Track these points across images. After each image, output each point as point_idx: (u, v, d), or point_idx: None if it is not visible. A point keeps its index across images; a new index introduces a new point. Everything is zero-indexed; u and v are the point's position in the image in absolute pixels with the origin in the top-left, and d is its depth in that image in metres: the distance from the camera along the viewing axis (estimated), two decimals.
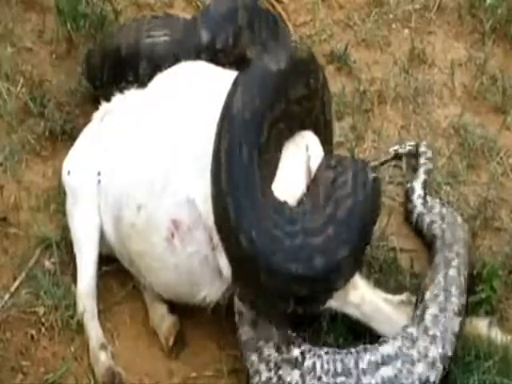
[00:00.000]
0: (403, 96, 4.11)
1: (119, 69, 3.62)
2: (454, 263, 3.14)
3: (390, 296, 3.08)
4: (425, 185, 3.62)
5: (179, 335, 3.20)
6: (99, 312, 3.26)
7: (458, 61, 4.28)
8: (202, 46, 3.51)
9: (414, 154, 3.81)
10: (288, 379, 2.83)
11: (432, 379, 2.81)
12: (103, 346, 3.15)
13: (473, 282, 3.21)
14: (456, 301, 3.00)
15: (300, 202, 2.95)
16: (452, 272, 3.10)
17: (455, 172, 3.80)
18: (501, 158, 3.87)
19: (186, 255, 3.06)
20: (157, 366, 3.19)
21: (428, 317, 2.93)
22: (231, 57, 3.52)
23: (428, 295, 3.00)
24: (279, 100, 2.93)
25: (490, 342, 3.05)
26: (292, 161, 3.04)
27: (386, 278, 3.31)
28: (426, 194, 3.57)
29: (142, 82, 3.49)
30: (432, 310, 2.95)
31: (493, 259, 3.35)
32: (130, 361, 3.19)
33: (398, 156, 3.85)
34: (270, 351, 2.89)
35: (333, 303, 2.96)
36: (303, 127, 3.11)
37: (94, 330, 3.19)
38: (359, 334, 3.05)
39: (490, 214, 3.63)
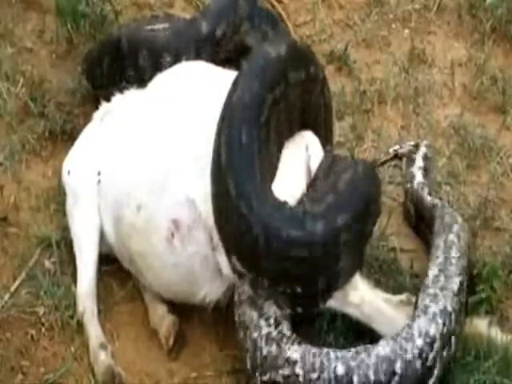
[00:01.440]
0: (403, 96, 4.11)
1: (119, 61, 3.61)
2: (454, 228, 3.15)
3: (389, 296, 3.08)
4: (425, 160, 3.62)
5: (179, 335, 3.20)
6: (99, 312, 3.26)
7: (458, 61, 4.28)
8: (202, 37, 3.51)
9: (414, 154, 3.81)
10: (288, 334, 2.83)
11: (432, 333, 2.80)
12: (103, 346, 3.15)
13: (473, 282, 3.21)
14: (456, 262, 3.00)
15: (300, 202, 2.95)
16: (451, 237, 3.11)
17: (455, 172, 3.80)
18: (501, 158, 3.87)
19: (186, 255, 3.07)
20: (157, 366, 3.19)
21: (428, 277, 2.94)
22: (231, 47, 3.52)
23: (430, 260, 3.03)
24: (279, 84, 2.94)
25: (490, 341, 3.05)
26: (292, 161, 3.04)
27: (386, 278, 3.31)
28: (426, 169, 3.58)
29: (142, 75, 3.49)
30: (432, 271, 2.96)
31: (493, 259, 3.35)
32: (129, 361, 3.19)
33: (398, 156, 3.85)
34: (270, 307, 2.90)
35: (333, 303, 2.96)
36: (303, 125, 3.11)
37: (93, 330, 3.19)
38: (359, 334, 3.04)
39: (489, 213, 3.63)
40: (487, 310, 3.19)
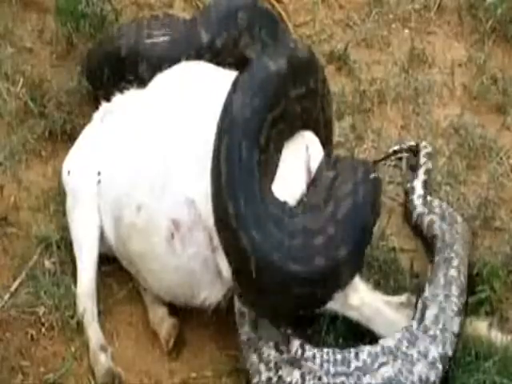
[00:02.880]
0: (403, 96, 4.11)
1: (119, 69, 3.62)
2: (454, 263, 3.14)
3: (389, 298, 3.08)
4: (425, 185, 3.62)
5: (179, 336, 3.20)
6: (99, 312, 3.25)
7: (458, 61, 4.28)
8: (202, 46, 3.51)
9: (414, 154, 3.81)
10: (288, 379, 2.83)
11: (432, 379, 2.81)
12: (103, 347, 3.15)
13: (473, 282, 3.20)
14: (456, 301, 3.00)
15: (300, 202, 2.95)
16: (452, 272, 3.10)
17: (455, 172, 3.80)
18: (501, 158, 3.87)
19: (186, 256, 3.06)
20: (157, 366, 3.19)
21: (428, 317, 2.93)
22: (231, 57, 3.52)
23: (428, 295, 3.00)
24: (279, 100, 2.92)
25: (490, 342, 3.05)
26: (292, 161, 3.03)
27: (386, 279, 3.31)
28: (426, 194, 3.57)
29: (142, 82, 3.50)
30: (432, 310, 2.95)
31: (493, 259, 3.35)
32: (130, 361, 3.19)
33: (397, 156, 3.85)
34: (269, 351, 2.89)
35: (333, 305, 2.95)
36: (303, 127, 3.11)
37: (93, 331, 3.18)
38: (359, 334, 3.04)
39: (489, 214, 3.63)
40: (487, 311, 3.19)
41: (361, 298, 2.98)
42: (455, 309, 2.97)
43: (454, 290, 3.03)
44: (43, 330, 3.22)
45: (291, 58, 2.99)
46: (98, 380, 3.09)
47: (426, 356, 2.83)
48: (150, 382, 3.14)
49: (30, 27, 4.25)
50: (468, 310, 3.09)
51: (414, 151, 3.82)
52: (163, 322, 3.21)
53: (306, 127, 3.12)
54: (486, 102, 4.11)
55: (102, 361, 3.10)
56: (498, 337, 3.07)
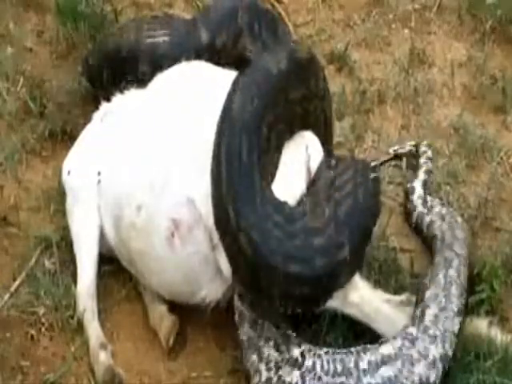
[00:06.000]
0: (403, 96, 4.11)
1: (119, 69, 3.62)
2: (454, 263, 3.14)
3: (389, 296, 3.08)
4: (425, 185, 3.62)
5: (179, 335, 3.20)
6: (99, 312, 3.25)
7: (458, 61, 4.29)
8: (202, 46, 3.51)
9: (414, 154, 3.81)
10: (288, 379, 2.83)
11: (432, 379, 2.81)
12: (103, 346, 3.15)
13: (473, 282, 3.20)
14: (456, 301, 3.00)
15: (300, 202, 2.95)
16: (452, 272, 3.10)
17: (455, 172, 3.80)
18: (501, 158, 3.87)
19: (186, 255, 3.06)
20: (157, 366, 3.19)
21: (428, 317, 2.93)
22: (231, 57, 3.52)
23: (428, 295, 3.00)
24: (279, 101, 2.92)
25: (490, 342, 3.05)
26: (292, 161, 3.03)
27: (386, 279, 3.31)
28: (426, 194, 3.57)
29: (142, 82, 3.50)
30: (432, 310, 2.95)
31: (493, 259, 3.34)
32: (129, 361, 3.18)
33: (398, 156, 3.85)
34: (269, 351, 2.89)
35: (333, 303, 2.95)
36: (303, 127, 3.11)
37: (93, 330, 3.18)
38: (359, 333, 3.04)
39: (489, 214, 3.63)
40: (487, 311, 3.19)
41: (360, 296, 2.99)
42: (455, 309, 2.98)
43: (454, 290, 3.03)
44: (43, 329, 3.22)
45: (291, 59, 2.99)
46: (98, 378, 3.08)
47: (426, 356, 2.83)
48: (149, 381, 3.14)
49: (30, 27, 4.26)
50: (468, 310, 3.09)
51: (414, 152, 3.82)
52: (163, 320, 3.21)
53: (305, 127, 3.12)
54: (485, 102, 4.11)
55: (102, 359, 3.10)
56: (498, 336, 3.07)
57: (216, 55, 3.51)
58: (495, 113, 4.07)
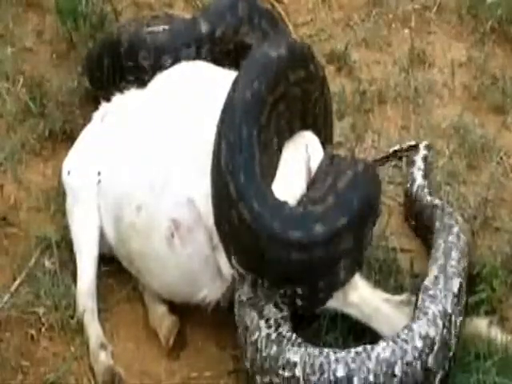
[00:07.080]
0: (403, 96, 4.12)
1: (119, 61, 3.61)
2: (454, 229, 3.15)
3: (389, 296, 3.07)
4: (425, 162, 3.63)
5: (179, 335, 3.20)
6: (99, 312, 3.25)
7: (458, 61, 4.29)
8: (202, 36, 3.51)
9: (415, 156, 3.81)
10: (288, 335, 2.83)
11: (432, 334, 2.80)
12: (103, 346, 3.15)
13: (473, 281, 3.20)
14: (456, 264, 3.00)
15: (300, 202, 2.95)
16: (452, 238, 3.11)
17: (455, 172, 3.80)
18: (501, 158, 3.87)
19: (186, 255, 3.07)
20: (157, 366, 3.18)
21: (429, 278, 2.94)
22: (231, 47, 3.53)
23: (429, 263, 3.02)
24: (279, 83, 2.94)
25: (490, 341, 3.05)
26: (292, 161, 3.04)
27: (386, 278, 3.31)
28: (426, 170, 3.59)
29: (142, 76, 3.50)
30: (432, 273, 2.96)
31: (493, 259, 3.35)
32: (129, 361, 3.18)
33: (398, 156, 3.85)
34: (270, 308, 2.90)
35: (332, 303, 2.95)
36: (303, 110, 3.11)
37: (93, 330, 3.18)
38: (359, 334, 3.04)
39: (489, 214, 3.63)
40: (487, 310, 3.19)
41: (360, 296, 2.99)
42: (455, 270, 2.97)
43: (454, 254, 3.04)
44: (43, 330, 3.22)
45: (291, 44, 3.03)
46: (98, 378, 3.08)
47: (425, 313, 2.82)
48: (149, 381, 3.14)
49: (30, 27, 4.26)
50: (468, 310, 3.09)
51: (414, 151, 3.82)
52: (163, 320, 3.21)
53: (305, 111, 3.12)
54: (485, 102, 4.11)
55: (102, 359, 3.10)
56: (498, 336, 3.07)
57: (216, 46, 3.51)
58: (495, 113, 4.07)
